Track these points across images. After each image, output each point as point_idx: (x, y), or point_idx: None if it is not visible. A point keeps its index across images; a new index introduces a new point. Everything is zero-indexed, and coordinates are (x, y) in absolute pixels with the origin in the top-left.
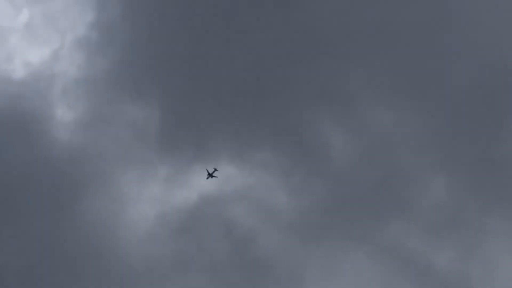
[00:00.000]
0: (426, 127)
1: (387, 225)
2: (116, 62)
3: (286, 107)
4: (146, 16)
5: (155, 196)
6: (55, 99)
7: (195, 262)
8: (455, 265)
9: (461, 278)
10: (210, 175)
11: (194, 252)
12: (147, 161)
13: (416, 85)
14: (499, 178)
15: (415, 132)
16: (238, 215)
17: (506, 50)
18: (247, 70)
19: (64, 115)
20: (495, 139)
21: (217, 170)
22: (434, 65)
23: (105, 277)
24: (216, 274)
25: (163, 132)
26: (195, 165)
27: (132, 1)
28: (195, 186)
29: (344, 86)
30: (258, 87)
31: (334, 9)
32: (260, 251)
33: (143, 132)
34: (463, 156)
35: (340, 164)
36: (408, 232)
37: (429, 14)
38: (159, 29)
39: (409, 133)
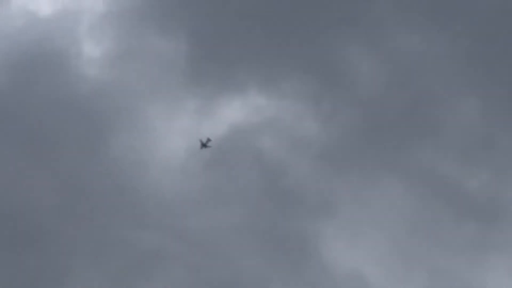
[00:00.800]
0: (457, 48)
1: (418, 150)
2: None
3: (313, 34)
4: None
5: (184, 129)
6: (82, 35)
7: (226, 194)
8: (488, 188)
9: (494, 201)
10: (204, 145)
11: (225, 184)
12: (175, 94)
13: (445, 6)
14: None
15: (446, 54)
16: (268, 145)
17: None
18: None
19: (92, 50)
20: None
21: (210, 140)
22: None
23: (137, 213)
24: (248, 205)
25: (191, 64)
26: (223, 96)
27: None
28: (224, 117)
29: (371, 10)
30: (284, 15)
31: None
32: (291, 181)
33: (170, 65)
34: (496, 76)
35: (370, 89)
36: (440, 156)
37: None
38: None
39: (439, 55)
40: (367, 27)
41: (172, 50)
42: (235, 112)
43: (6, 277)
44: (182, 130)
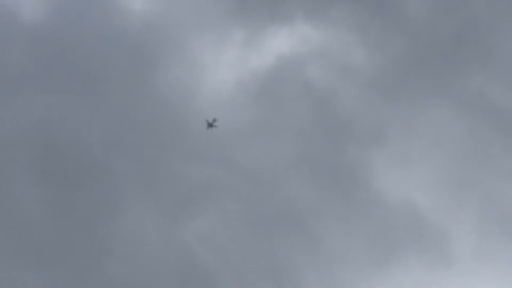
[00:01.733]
0: None
1: (468, 76)
2: None
3: None
4: None
5: (232, 60)
6: None
7: (276, 125)
8: None
9: None
10: (210, 125)
11: (274, 115)
12: (223, 26)
13: None
14: None
15: None
16: (316, 75)
17: None
18: None
19: None
20: None
21: (216, 120)
22: None
23: (187, 146)
24: (298, 135)
25: None
26: (270, 27)
27: None
28: (271, 48)
29: None
30: None
31: None
32: (340, 110)
33: None
34: None
35: (418, 16)
36: (490, 82)
37: None
38: None
39: None
40: None
41: None
42: (282, 42)
43: (62, 211)
44: (229, 62)
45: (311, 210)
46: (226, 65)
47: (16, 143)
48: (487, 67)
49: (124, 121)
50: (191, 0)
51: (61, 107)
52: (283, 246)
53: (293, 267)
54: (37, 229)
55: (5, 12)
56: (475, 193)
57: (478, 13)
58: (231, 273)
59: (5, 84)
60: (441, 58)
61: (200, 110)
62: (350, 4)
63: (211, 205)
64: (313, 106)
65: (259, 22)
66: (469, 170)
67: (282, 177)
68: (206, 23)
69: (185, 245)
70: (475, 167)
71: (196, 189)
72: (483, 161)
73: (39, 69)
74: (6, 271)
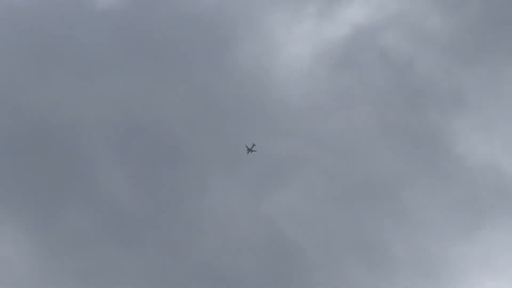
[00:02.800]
0: None
1: None
2: None
3: None
4: None
5: (307, 34)
6: None
7: (355, 95)
8: None
9: None
10: (250, 150)
11: (352, 85)
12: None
13: None
14: None
15: None
16: (392, 42)
17: None
18: None
19: None
20: None
21: (255, 145)
22: None
23: (267, 120)
24: (377, 104)
25: None
26: None
27: None
28: (346, 18)
29: None
30: None
31: None
32: (419, 76)
33: None
34: None
35: None
36: None
37: None
38: None
39: None
40: None
41: None
42: (356, 11)
43: (148, 191)
44: (304, 34)
45: (394, 178)
46: (302, 39)
47: (100, 125)
48: None
49: (204, 98)
50: None
51: (142, 87)
52: (368, 216)
53: (379, 236)
54: (126, 210)
55: None
56: None
57: None
58: (317, 246)
59: (87, 66)
60: None
61: (277, 84)
62: None
63: (295, 179)
64: (391, 74)
65: None
66: None
67: (363, 147)
68: None
69: (270, 220)
70: None
71: (278, 163)
72: None
73: (119, 51)
74: (96, 251)
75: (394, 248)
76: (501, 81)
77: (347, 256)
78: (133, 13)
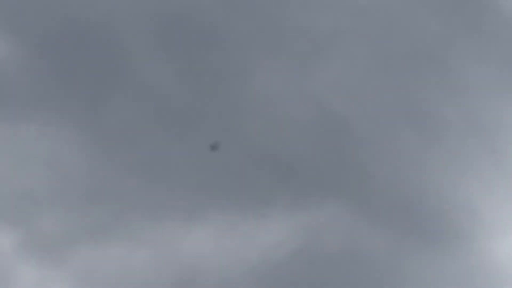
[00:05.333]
0: None
1: None
2: None
3: None
4: None
5: None
6: None
7: None
8: None
9: None
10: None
11: None
12: None
13: None
14: None
15: None
16: None
17: None
18: None
19: None
20: None
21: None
22: None
23: None
24: None
25: None
26: None
27: None
28: None
29: None
30: None
31: None
32: None
33: None
34: None
35: None
36: None
37: None
38: None
39: None
40: None
41: None
42: None
43: (192, 79)
44: None
45: (440, 43)
46: None
47: (140, 18)
48: None
49: None
50: None
51: None
52: (415, 84)
53: (427, 102)
54: (173, 99)
55: None
56: None
57: None
58: (366, 119)
59: None
60: None
61: None
62: None
63: (338, 52)
64: None
65: None
66: None
67: (408, 13)
68: None
69: (316, 96)
70: None
71: (321, 38)
72: None
73: None
74: (144, 144)
75: (444, 112)
76: None
77: (396, 125)
78: None
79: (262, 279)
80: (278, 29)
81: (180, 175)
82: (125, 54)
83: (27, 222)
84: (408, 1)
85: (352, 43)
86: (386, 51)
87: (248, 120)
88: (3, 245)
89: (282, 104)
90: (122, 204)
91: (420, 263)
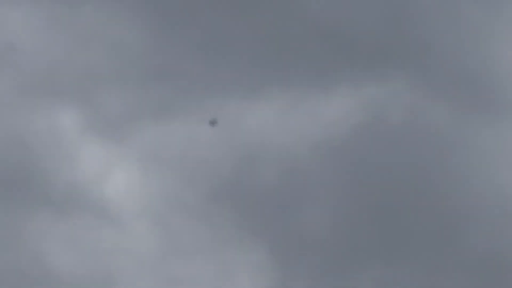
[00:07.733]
0: None
1: None
2: None
3: None
4: None
5: None
6: None
7: None
8: None
9: None
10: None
11: None
12: None
13: None
14: None
15: None
16: None
17: None
18: None
19: None
20: None
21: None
22: None
23: None
24: None
25: None
26: None
27: None
28: None
29: None
30: None
31: None
32: None
33: None
34: None
35: None
36: None
37: None
38: None
39: None
40: None
41: None
42: None
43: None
44: None
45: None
46: None
47: None
48: None
49: None
50: None
51: None
52: None
53: None
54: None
55: None
56: None
57: None
58: None
59: None
60: None
61: None
62: None
63: None
64: None
65: None
66: None
67: None
68: None
69: None
70: None
71: None
72: None
73: None
74: (208, 21)
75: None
76: None
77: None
78: None
79: (326, 155)
80: None
81: (243, 52)
82: None
83: (91, 101)
84: None
85: None
86: None
87: None
88: (68, 124)
89: None
90: (184, 81)
91: (480, 135)
